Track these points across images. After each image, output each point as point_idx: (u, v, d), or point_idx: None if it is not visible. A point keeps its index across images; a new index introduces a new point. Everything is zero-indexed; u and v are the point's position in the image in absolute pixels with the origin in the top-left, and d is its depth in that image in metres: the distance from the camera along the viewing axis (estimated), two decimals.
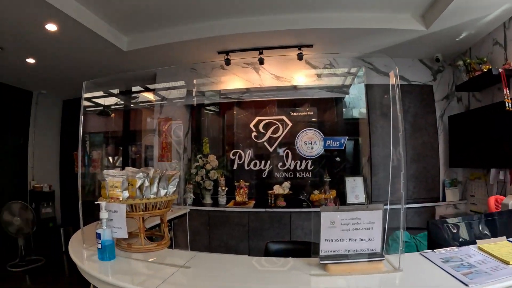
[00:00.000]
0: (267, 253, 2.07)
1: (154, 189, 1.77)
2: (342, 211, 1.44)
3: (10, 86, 5.43)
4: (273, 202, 4.05)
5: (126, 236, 1.68)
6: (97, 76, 4.94)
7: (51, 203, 5.73)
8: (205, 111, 4.82)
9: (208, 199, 4.29)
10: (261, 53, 3.91)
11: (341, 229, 1.43)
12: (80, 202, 1.87)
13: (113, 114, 5.36)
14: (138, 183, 1.71)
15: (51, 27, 3.29)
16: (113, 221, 1.67)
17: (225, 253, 2.49)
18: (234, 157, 4.44)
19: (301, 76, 4.38)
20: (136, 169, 1.81)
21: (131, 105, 4.65)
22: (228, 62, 3.98)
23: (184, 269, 1.53)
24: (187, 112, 4.71)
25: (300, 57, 3.82)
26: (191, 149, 4.62)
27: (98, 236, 1.61)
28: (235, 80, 4.43)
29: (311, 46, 3.85)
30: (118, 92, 5.22)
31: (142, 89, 4.65)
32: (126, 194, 1.71)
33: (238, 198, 4.13)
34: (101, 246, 1.62)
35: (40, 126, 6.01)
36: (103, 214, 1.62)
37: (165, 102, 4.49)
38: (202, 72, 4.51)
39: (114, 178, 1.70)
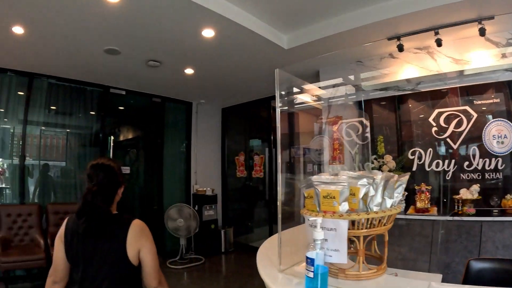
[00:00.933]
0: (469, 273, 1.72)
1: (378, 199, 1.33)
2: None
3: (171, 99, 6.01)
4: (460, 209, 3.35)
5: (346, 262, 1.30)
6: (255, 81, 4.95)
7: (214, 206, 6.02)
8: (376, 107, 4.30)
9: None
10: (436, 33, 3.27)
11: None
12: (279, 216, 1.58)
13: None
14: (362, 192, 1.30)
15: (208, 32, 3.31)
16: (328, 241, 1.30)
17: (402, 268, 1.96)
18: (413, 156, 3.80)
19: (482, 56, 3.51)
20: (355, 173, 1.40)
21: (295, 106, 4.46)
22: (401, 48, 3.43)
23: None
24: (356, 109, 4.29)
25: (482, 32, 3.08)
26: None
27: (311, 262, 1.24)
28: (408, 69, 3.82)
29: (492, 18, 3.05)
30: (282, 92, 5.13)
31: (301, 89, 4.41)
32: (345, 206, 1.32)
33: (419, 204, 3.54)
34: (314, 275, 1.24)
35: (201, 134, 6.45)
36: (319, 234, 1.24)
37: (332, 100, 4.13)
38: (369, 64, 4.02)
39: (330, 186, 1.31)
